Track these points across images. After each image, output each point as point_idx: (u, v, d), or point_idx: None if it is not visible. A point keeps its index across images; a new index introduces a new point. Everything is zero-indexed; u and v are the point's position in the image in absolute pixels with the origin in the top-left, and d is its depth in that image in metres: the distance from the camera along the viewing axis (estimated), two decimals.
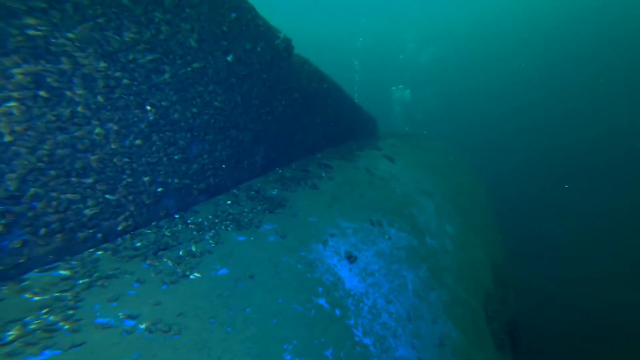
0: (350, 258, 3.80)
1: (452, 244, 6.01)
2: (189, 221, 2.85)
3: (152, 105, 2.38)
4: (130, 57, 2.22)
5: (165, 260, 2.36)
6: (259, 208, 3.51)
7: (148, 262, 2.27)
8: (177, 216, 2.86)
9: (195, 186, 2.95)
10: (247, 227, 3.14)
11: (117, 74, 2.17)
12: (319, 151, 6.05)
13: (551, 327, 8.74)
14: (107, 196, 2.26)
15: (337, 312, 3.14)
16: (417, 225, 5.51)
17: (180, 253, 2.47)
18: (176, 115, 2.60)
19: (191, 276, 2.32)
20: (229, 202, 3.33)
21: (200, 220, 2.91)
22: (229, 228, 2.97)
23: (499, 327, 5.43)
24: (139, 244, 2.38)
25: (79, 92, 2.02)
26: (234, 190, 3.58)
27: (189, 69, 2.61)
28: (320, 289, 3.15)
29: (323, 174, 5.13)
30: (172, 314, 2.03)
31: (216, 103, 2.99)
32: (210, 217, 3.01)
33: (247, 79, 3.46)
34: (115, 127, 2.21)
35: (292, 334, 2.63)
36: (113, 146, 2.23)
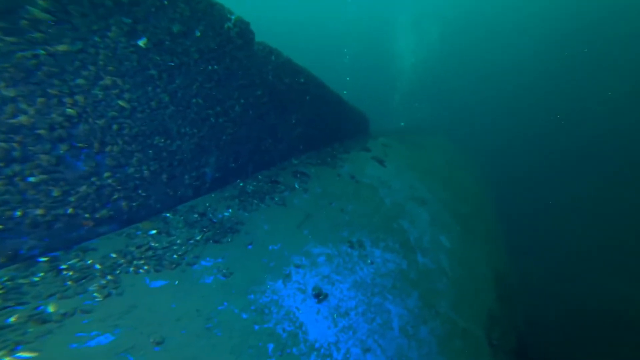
0: (320, 296, 3.06)
1: (449, 260, 5.27)
2: (64, 266, 2.07)
3: None
4: None
5: None
6: (198, 238, 2.76)
7: None
8: (42, 260, 2.09)
9: (87, 215, 2.19)
10: (173, 266, 2.39)
11: None
12: (295, 156, 5.28)
13: (563, 338, 8.10)
14: None
15: None
16: (407, 241, 4.76)
17: (10, 320, 1.69)
18: (22, 118, 1.81)
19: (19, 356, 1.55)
20: (152, 231, 2.58)
21: (89, 262, 2.16)
22: (141, 270, 2.22)
23: (506, 357, 4.71)
24: None
25: None
26: (167, 214, 2.84)
27: (41, 51, 1.81)
28: (270, 347, 2.42)
29: (296, 185, 4.37)
30: None
31: (120, 102, 2.24)
32: (112, 256, 2.26)
33: (180, 71, 2.70)
34: None
35: None
36: None
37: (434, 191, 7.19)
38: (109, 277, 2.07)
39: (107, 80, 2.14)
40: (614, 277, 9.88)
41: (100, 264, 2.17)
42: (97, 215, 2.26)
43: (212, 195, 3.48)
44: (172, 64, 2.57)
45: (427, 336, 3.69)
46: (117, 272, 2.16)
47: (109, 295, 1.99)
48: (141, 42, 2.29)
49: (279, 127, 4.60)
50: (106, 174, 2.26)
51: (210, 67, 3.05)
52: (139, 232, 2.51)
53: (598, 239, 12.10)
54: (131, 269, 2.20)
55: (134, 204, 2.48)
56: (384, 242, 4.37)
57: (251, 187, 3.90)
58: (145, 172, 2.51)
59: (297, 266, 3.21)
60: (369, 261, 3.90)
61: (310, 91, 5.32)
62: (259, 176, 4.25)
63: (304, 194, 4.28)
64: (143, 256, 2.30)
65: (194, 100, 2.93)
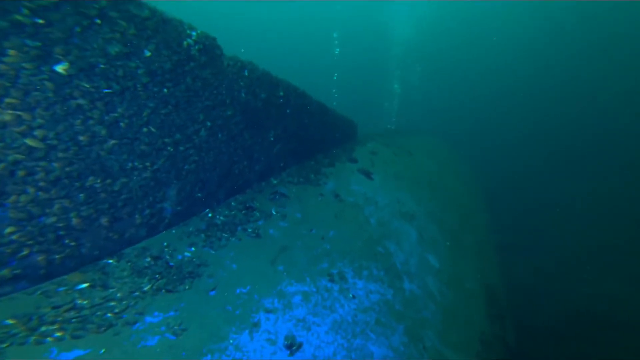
0: (292, 346, 2.75)
1: (437, 283, 5.02)
2: None
3: None
4: None
5: None
6: (146, 288, 2.40)
7: None
8: None
9: None
10: (103, 328, 2.02)
11: None
12: (276, 174, 4.93)
13: (555, 344, 8.03)
14: None
15: None
16: (393, 266, 4.48)
17: None
18: None
19: None
20: (82, 285, 2.19)
21: None
22: (49, 339, 1.82)
23: None
24: None
25: None
26: (110, 261, 2.47)
27: None
28: None
29: (273, 211, 4.03)
30: None
31: (28, 141, 1.84)
32: (7, 323, 1.81)
33: (123, 98, 2.32)
34: None
35: None
36: None
37: (422, 203, 6.93)
38: None
39: (6, 116, 1.75)
40: (606, 277, 9.85)
41: None
42: None
43: (174, 231, 3.11)
44: (110, 90, 2.18)
45: None
46: (4, 345, 1.72)
47: None
48: (59, 68, 1.90)
49: (255, 146, 4.24)
50: (8, 230, 1.87)
51: (165, 90, 2.67)
52: (62, 288, 2.11)
53: (590, 239, 12.08)
54: (32, 338, 1.80)
55: (57, 256, 2.11)
56: (367, 270, 4.08)
57: (221, 218, 3.55)
58: (74, 220, 2.14)
59: (268, 311, 2.89)
60: (351, 295, 3.60)
61: (290, 103, 4.97)
62: (232, 203, 3.90)
63: (281, 222, 3.94)
64: (59, 319, 1.90)
65: (145, 129, 2.55)
